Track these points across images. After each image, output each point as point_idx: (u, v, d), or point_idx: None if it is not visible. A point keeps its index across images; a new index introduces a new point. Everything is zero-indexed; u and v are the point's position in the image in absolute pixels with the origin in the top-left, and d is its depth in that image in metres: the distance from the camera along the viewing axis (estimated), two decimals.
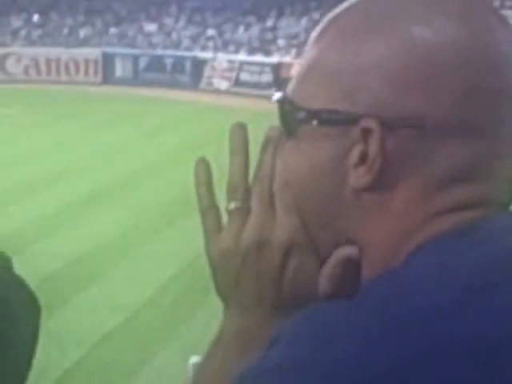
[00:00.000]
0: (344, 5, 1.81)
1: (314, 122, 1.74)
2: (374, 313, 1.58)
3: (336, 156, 1.73)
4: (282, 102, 1.80)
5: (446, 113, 1.67)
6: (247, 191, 1.83)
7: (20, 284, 2.40)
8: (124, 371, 20.83)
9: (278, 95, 1.82)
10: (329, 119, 1.72)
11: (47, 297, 17.80)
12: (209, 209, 1.86)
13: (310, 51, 1.81)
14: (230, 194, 1.85)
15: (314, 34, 1.83)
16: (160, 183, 37.74)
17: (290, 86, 1.82)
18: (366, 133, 1.68)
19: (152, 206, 34.71)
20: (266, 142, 1.86)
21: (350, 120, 1.69)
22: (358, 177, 1.70)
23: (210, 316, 21.68)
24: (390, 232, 1.71)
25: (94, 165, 42.46)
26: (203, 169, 1.86)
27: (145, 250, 30.15)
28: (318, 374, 1.54)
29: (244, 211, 1.81)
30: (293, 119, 1.78)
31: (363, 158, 1.69)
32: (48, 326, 19.52)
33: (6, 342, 2.25)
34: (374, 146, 1.68)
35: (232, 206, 1.83)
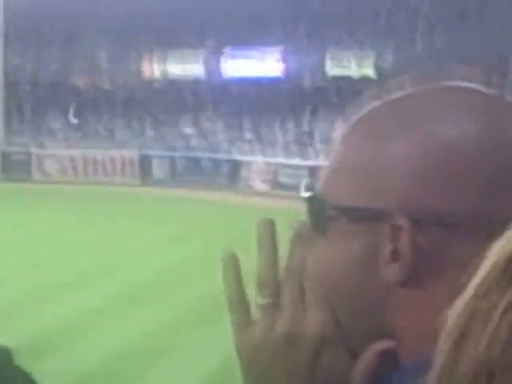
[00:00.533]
0: (368, 107, 1.82)
1: (345, 219, 1.76)
2: None
3: (367, 252, 1.73)
4: (311, 199, 1.82)
5: (472, 212, 1.68)
6: (277, 286, 1.82)
7: (21, 374, 2.34)
8: None
9: (308, 192, 1.83)
10: (359, 216, 1.74)
11: None
12: (238, 304, 1.84)
13: (337, 150, 1.84)
14: (260, 289, 1.83)
15: (340, 133, 1.85)
16: (194, 283, 37.61)
17: (319, 185, 1.84)
18: (397, 230, 1.70)
19: (187, 305, 34.57)
20: (295, 237, 1.83)
21: (380, 217, 1.72)
22: (391, 273, 1.71)
23: None
24: (423, 324, 1.68)
25: (131, 264, 42.49)
26: (232, 264, 1.83)
27: (182, 348, 30.11)
28: None
29: (275, 306, 1.79)
30: (323, 216, 1.80)
31: (395, 256, 1.70)
32: None
33: None
34: (405, 243, 1.69)
35: (262, 301, 1.82)
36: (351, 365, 1.76)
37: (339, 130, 65.74)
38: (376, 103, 1.84)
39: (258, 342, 1.80)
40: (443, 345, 0.95)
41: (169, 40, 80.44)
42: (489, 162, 1.69)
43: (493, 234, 1.46)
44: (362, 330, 1.78)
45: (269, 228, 1.86)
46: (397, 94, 1.85)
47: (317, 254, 1.82)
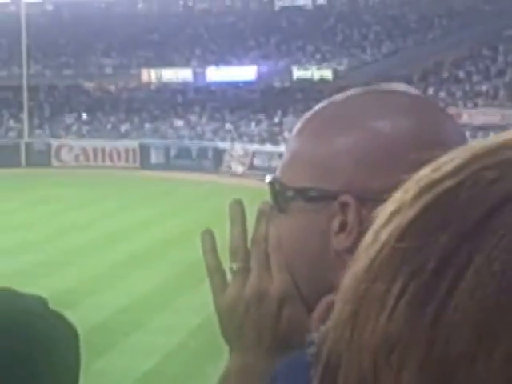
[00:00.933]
0: (316, 107, 1.85)
1: (301, 199, 1.79)
2: None
3: (319, 226, 1.76)
4: (273, 183, 1.84)
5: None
6: (246, 254, 1.85)
7: (58, 316, 2.28)
8: None
9: (269, 177, 1.86)
10: (312, 196, 1.77)
11: (97, 342, 18.64)
12: (215, 270, 1.89)
13: (292, 142, 1.86)
14: (232, 257, 1.87)
15: (294, 128, 1.88)
16: (189, 249, 37.38)
17: (279, 171, 1.86)
18: (344, 206, 1.73)
19: (179, 268, 34.40)
20: (260, 214, 1.87)
21: (330, 196, 1.74)
22: (340, 242, 1.74)
23: None
24: None
25: (131, 235, 42.56)
26: (208, 238, 1.89)
27: (176, 304, 29.91)
28: None
29: (245, 270, 1.84)
30: (282, 196, 1.82)
31: (343, 227, 1.73)
32: (97, 366, 19.19)
33: (52, 364, 2.17)
34: (351, 217, 1.72)
35: (234, 266, 1.86)
36: (307, 317, 1.78)
37: (293, 127, 66.47)
38: (323, 103, 1.86)
39: (232, 301, 1.83)
40: (340, 312, 0.86)
41: (163, 51, 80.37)
42: (418, 149, 1.60)
43: None
44: (316, 290, 1.78)
45: (239, 206, 1.88)
46: (340, 96, 1.86)
47: (278, 228, 1.83)
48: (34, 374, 2.16)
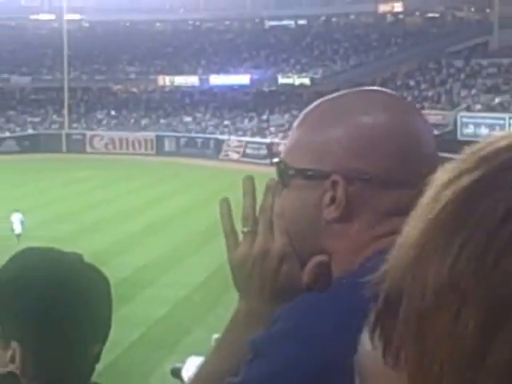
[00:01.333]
0: (313, 104, 1.85)
1: (300, 177, 1.79)
2: (331, 301, 1.67)
3: (314, 199, 1.76)
4: (278, 163, 1.84)
5: (383, 169, 1.73)
6: (255, 220, 1.87)
7: (92, 268, 2.27)
8: (169, 342, 21.32)
9: (276, 159, 1.85)
10: (309, 175, 1.77)
11: (121, 293, 16.76)
12: (230, 232, 1.90)
13: (295, 131, 1.85)
14: (244, 222, 1.88)
15: (296, 120, 1.87)
16: (195, 219, 38.09)
17: (283, 153, 1.86)
18: (334, 184, 1.73)
19: (187, 235, 35.22)
20: (267, 188, 1.86)
21: (324, 176, 1.74)
22: (329, 213, 1.74)
23: (228, 305, 21.95)
24: (348, 247, 1.76)
25: (149, 207, 42.88)
26: (225, 205, 1.91)
27: (184, 264, 30.62)
28: (306, 334, 1.66)
29: (253, 233, 1.86)
30: (285, 174, 1.82)
31: (333, 201, 1.73)
32: (121, 312, 18.87)
33: (89, 308, 2.18)
34: (339, 193, 1.72)
35: (245, 229, 1.87)
36: (300, 271, 1.81)
37: (295, 119, 65.05)
38: (320, 100, 1.87)
39: (242, 257, 1.84)
40: (403, 256, 0.82)
41: (176, 61, 79.47)
42: (394, 138, 1.72)
43: (393, 191, 1.70)
44: (308, 251, 1.80)
45: (250, 181, 1.91)
46: (333, 94, 1.88)
47: (281, 200, 1.84)
48: (75, 316, 2.14)
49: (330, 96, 1.84)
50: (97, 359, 2.23)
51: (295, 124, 1.83)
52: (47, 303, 2.11)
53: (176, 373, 6.48)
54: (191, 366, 6.26)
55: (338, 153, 1.72)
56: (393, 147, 1.70)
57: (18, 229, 34.42)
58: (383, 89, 1.89)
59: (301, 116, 1.83)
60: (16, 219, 34.78)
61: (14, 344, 2.11)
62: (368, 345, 0.84)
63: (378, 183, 1.70)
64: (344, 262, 1.71)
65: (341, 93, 1.84)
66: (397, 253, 0.86)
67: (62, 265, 2.21)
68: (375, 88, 1.89)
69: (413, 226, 0.84)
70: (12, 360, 2.10)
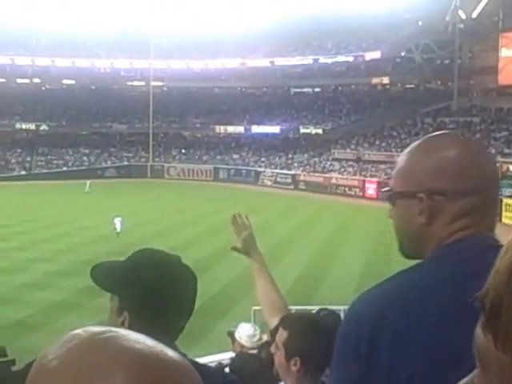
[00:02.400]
0: (410, 146, 1.81)
1: (399, 198, 1.74)
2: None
3: (410, 211, 1.72)
4: (386, 190, 1.79)
5: (453, 185, 1.68)
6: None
7: (186, 266, 2.22)
8: (220, 311, 21.18)
9: (386, 188, 1.80)
10: (405, 195, 1.73)
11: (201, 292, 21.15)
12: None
13: (397, 166, 1.79)
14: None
15: (399, 158, 1.81)
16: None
17: (391, 182, 1.80)
18: (420, 199, 1.70)
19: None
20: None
21: (414, 195, 1.70)
22: (419, 219, 1.71)
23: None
24: (434, 240, 1.71)
25: (209, 217, 42.51)
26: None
27: (235, 254, 30.57)
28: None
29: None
30: (391, 197, 1.77)
31: (420, 211, 1.70)
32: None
33: (180, 295, 2.13)
34: (424, 205, 1.69)
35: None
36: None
37: (312, 158, 64.55)
38: (411, 145, 1.81)
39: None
40: (499, 277, 0.78)
41: (228, 115, 79.20)
42: (459, 165, 1.69)
43: (462, 200, 1.70)
44: (414, 250, 1.75)
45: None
46: (419, 140, 1.81)
47: (393, 213, 1.77)
48: (170, 299, 2.10)
49: (419, 139, 1.84)
50: (182, 329, 2.20)
51: (398, 159, 1.83)
52: (152, 288, 2.09)
53: (231, 334, 6.37)
54: (242, 329, 6.18)
55: (423, 178, 1.71)
56: (459, 168, 1.70)
57: (118, 228, 35.59)
58: (452, 132, 1.89)
59: (402, 153, 1.83)
60: (117, 222, 35.90)
61: (125, 313, 2.12)
62: (482, 336, 0.81)
63: (450, 195, 1.70)
64: (435, 248, 1.73)
65: (426, 136, 1.84)
66: (494, 276, 0.83)
67: (166, 262, 2.19)
68: (448, 132, 1.87)
69: (503, 258, 0.81)
70: (122, 324, 2.09)
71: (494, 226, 1.77)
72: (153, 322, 2.04)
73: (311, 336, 2.96)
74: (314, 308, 6.16)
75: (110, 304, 2.20)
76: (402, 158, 1.80)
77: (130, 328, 1.96)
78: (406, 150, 1.81)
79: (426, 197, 1.70)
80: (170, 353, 0.82)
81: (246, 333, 6.18)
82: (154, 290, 2.08)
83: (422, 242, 1.73)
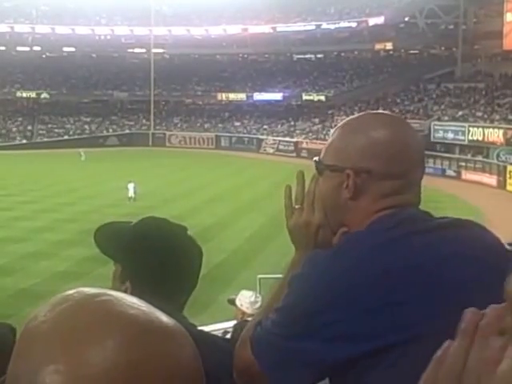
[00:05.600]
0: (342, 122, 1.88)
1: (328, 170, 1.79)
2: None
3: (337, 185, 1.77)
4: (316, 161, 1.82)
5: (381, 167, 1.73)
6: (303, 200, 1.84)
7: (191, 238, 2.19)
8: (225, 280, 21.10)
9: (315, 158, 1.83)
10: (333, 169, 1.77)
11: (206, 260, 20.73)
12: (288, 207, 1.85)
13: (330, 137, 1.84)
14: (296, 201, 1.85)
15: (332, 130, 1.85)
16: (242, 192, 38.05)
17: (321, 154, 1.84)
18: (348, 175, 1.74)
19: (238, 203, 34.86)
20: (312, 177, 1.85)
21: (342, 170, 1.75)
22: (344, 194, 1.75)
23: (269, 254, 21.74)
24: (359, 217, 1.75)
25: (210, 184, 42.53)
26: (288, 190, 1.85)
27: (239, 223, 30.38)
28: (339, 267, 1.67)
29: (301, 209, 1.84)
30: (320, 168, 1.81)
31: (347, 185, 1.75)
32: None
33: (183, 267, 2.10)
34: (351, 181, 1.74)
35: (297, 206, 1.85)
36: (332, 237, 1.80)
37: (332, 131, 64.67)
38: (348, 118, 1.87)
39: (294, 224, 1.83)
40: None
41: (230, 82, 79.09)
42: (389, 146, 1.75)
43: (388, 180, 1.75)
44: (337, 220, 1.79)
45: (301, 174, 1.85)
46: (357, 114, 1.87)
47: (319, 185, 1.82)
48: (173, 271, 2.09)
49: (354, 116, 1.90)
50: (183, 306, 2.17)
51: (332, 132, 1.87)
52: (156, 260, 2.06)
53: (231, 301, 6.39)
54: (242, 297, 6.22)
55: (352, 154, 1.76)
56: (388, 152, 1.75)
57: (131, 193, 36.74)
58: (387, 112, 1.98)
59: (336, 127, 1.87)
60: (130, 187, 36.95)
61: (127, 283, 2.10)
62: None
63: (377, 176, 1.74)
64: (357, 227, 1.76)
65: (361, 114, 1.89)
66: None
67: (171, 233, 2.16)
68: (381, 111, 1.97)
69: None
70: (124, 293, 2.27)
71: (418, 204, 1.80)
72: (155, 294, 1.93)
73: None
74: None
75: (113, 270, 2.18)
76: (336, 132, 1.83)
77: None
78: (341, 124, 1.85)
79: (354, 174, 1.74)
80: (165, 319, 0.81)
81: (246, 300, 6.19)
82: (157, 261, 2.06)
83: (344, 213, 1.78)
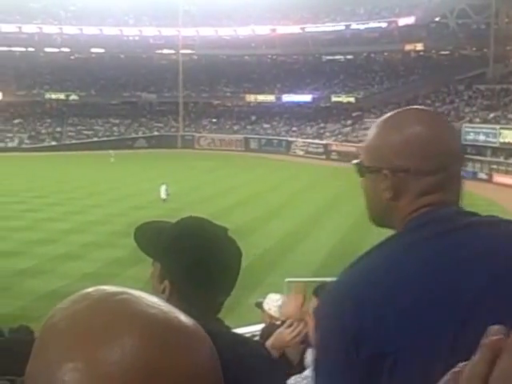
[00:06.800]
0: (374, 123, 1.86)
1: (367, 171, 1.78)
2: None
3: (378, 187, 1.76)
4: (356, 163, 1.81)
5: (418, 164, 1.72)
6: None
7: (231, 239, 2.17)
8: (252, 283, 20.25)
9: (355, 161, 1.82)
10: (372, 170, 1.77)
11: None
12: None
13: (366, 139, 1.83)
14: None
15: (369, 131, 1.83)
16: (273, 193, 38.02)
17: (360, 155, 1.83)
18: (386, 176, 1.74)
19: (271, 204, 34.93)
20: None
21: (380, 170, 1.74)
22: (385, 194, 1.75)
23: (297, 257, 21.11)
24: (401, 218, 1.75)
25: (239, 186, 42.66)
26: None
27: (268, 226, 30.11)
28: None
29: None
30: (360, 170, 1.80)
31: (387, 187, 1.75)
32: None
33: (224, 266, 2.07)
34: (389, 182, 1.74)
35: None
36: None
37: (344, 127, 64.30)
38: (380, 118, 1.84)
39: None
40: None
41: (259, 84, 79.21)
42: (424, 143, 1.73)
43: (424, 177, 1.74)
44: (378, 216, 1.81)
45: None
46: (391, 112, 1.84)
47: (362, 184, 1.81)
48: (212, 271, 2.06)
49: (388, 113, 1.86)
50: (221, 305, 2.16)
51: (368, 133, 1.85)
52: (195, 260, 2.05)
53: (259, 305, 6.17)
54: (270, 300, 6.00)
55: (388, 155, 1.75)
56: (423, 148, 1.74)
57: (163, 195, 37.13)
58: (421, 107, 1.90)
59: (371, 127, 1.86)
60: (163, 189, 37.31)
61: (166, 282, 2.09)
62: None
63: (414, 173, 1.73)
64: (399, 223, 1.76)
65: (395, 111, 1.85)
66: None
67: (211, 233, 2.14)
68: (416, 107, 1.89)
69: None
70: (163, 292, 2.07)
71: (459, 201, 1.79)
72: (193, 294, 2.03)
73: None
74: None
75: (151, 269, 2.17)
76: (371, 132, 1.82)
77: (171, 297, 2.04)
78: (375, 124, 1.83)
79: (391, 174, 1.73)
80: (184, 318, 0.81)
81: (274, 303, 6.04)
82: (196, 261, 2.04)
83: (389, 215, 1.77)
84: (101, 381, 0.75)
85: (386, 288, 1.61)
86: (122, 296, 0.81)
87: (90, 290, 0.83)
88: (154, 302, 0.81)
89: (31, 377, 0.80)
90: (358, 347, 1.58)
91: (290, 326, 3.37)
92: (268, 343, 3.24)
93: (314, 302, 3.04)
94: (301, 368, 3.02)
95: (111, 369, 0.75)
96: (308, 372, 2.95)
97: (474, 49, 74.40)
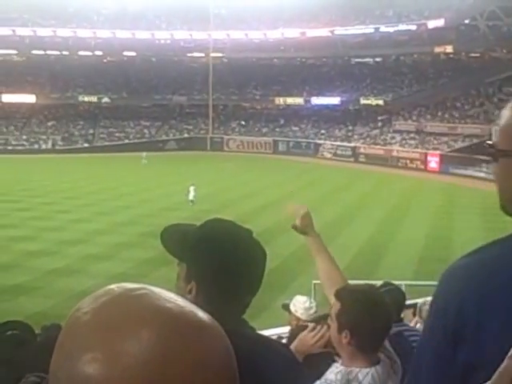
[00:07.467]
0: (510, 104, 1.66)
1: (503, 155, 1.63)
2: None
3: (509, 166, 1.61)
4: (489, 145, 1.67)
5: None
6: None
7: (256, 242, 2.18)
8: (279, 285, 21.14)
9: (489, 142, 1.67)
10: (508, 154, 1.61)
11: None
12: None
13: (500, 121, 1.67)
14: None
15: (502, 112, 1.68)
16: (300, 196, 38.06)
17: (494, 138, 1.71)
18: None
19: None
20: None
21: (510, 154, 1.59)
22: None
23: None
24: None
25: (267, 188, 42.26)
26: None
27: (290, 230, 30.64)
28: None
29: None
30: (494, 154, 1.65)
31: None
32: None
33: (249, 270, 2.10)
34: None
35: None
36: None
37: (373, 129, 63.95)
38: (508, 104, 1.67)
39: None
40: None
41: (288, 87, 79.13)
42: None
43: None
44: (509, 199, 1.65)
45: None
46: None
47: (495, 170, 1.66)
48: (238, 273, 2.08)
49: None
50: (247, 306, 2.17)
51: (499, 120, 1.71)
52: (221, 261, 2.06)
53: (286, 307, 6.14)
54: (297, 302, 6.00)
55: None
56: None
57: (191, 196, 37.02)
58: None
59: (505, 108, 1.70)
60: (191, 190, 37.28)
61: (193, 283, 2.11)
62: None
63: None
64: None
65: None
66: None
67: (237, 235, 2.16)
68: None
69: None
70: (189, 292, 2.09)
71: None
72: (219, 295, 2.05)
73: (362, 309, 2.90)
74: (376, 283, 6.27)
75: (178, 269, 2.20)
76: (506, 114, 1.67)
77: (197, 298, 2.05)
78: (510, 104, 1.67)
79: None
80: (200, 314, 0.83)
81: (301, 305, 6.04)
82: (222, 262, 2.06)
83: None
84: (118, 371, 0.77)
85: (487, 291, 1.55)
86: (141, 291, 0.84)
87: (113, 286, 0.88)
88: (171, 297, 0.84)
89: (55, 367, 0.84)
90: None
91: (313, 329, 3.39)
92: (291, 346, 3.23)
93: (336, 306, 2.99)
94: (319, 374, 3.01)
95: (130, 360, 0.77)
96: (330, 375, 2.96)
97: (505, 51, 73.63)
